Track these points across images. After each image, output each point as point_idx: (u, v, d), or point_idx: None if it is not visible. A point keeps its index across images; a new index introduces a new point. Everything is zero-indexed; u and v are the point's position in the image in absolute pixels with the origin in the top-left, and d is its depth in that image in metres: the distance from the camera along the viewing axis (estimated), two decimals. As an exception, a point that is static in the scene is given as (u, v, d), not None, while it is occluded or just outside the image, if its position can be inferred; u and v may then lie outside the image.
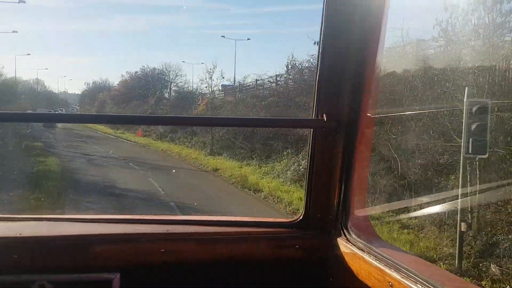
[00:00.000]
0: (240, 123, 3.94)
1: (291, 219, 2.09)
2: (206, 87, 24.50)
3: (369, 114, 1.94)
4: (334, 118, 1.94)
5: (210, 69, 24.16)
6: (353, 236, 1.94)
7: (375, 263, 1.74)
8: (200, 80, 26.03)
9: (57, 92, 45.89)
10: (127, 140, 29.53)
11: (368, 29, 1.83)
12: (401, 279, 1.63)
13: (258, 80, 23.10)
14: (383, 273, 1.72)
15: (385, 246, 1.90)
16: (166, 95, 33.16)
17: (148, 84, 33.43)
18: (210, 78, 24.46)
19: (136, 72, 35.66)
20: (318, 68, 1.93)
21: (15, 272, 1.81)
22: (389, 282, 1.70)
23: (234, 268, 1.99)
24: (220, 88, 25.65)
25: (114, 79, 36.74)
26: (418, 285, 1.54)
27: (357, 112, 1.92)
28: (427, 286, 1.52)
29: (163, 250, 1.96)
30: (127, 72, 35.98)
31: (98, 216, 2.17)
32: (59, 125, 30.03)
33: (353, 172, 1.96)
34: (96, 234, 1.96)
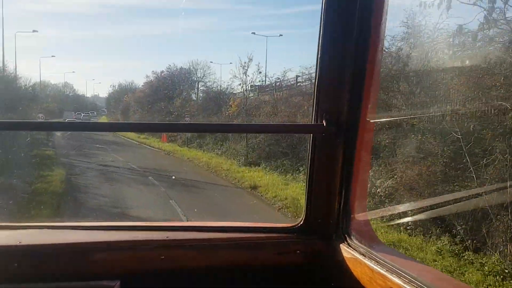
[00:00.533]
0: (239, 128, 3.98)
1: (292, 224, 2.11)
2: (239, 84, 22.96)
3: (368, 119, 1.94)
4: (334, 123, 1.98)
5: (245, 62, 22.22)
6: (354, 241, 1.96)
7: (377, 268, 1.76)
8: (233, 76, 24.58)
9: (87, 95, 49.48)
10: (151, 147, 28.78)
11: (367, 33, 1.87)
12: (403, 284, 1.64)
13: (299, 76, 21.56)
14: (384, 278, 1.72)
15: (386, 251, 1.92)
16: (194, 96, 33.51)
17: (174, 84, 33.89)
18: (245, 73, 22.57)
19: (161, 72, 35.85)
20: (317, 73, 1.98)
21: (14, 281, 1.84)
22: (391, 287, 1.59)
23: (235, 274, 2.01)
24: (250, 88, 24.46)
25: (140, 81, 38.97)
26: None
27: (356, 117, 1.94)
28: None
29: (163, 257, 1.98)
30: (152, 72, 36.48)
31: (97, 223, 2.26)
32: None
33: (354, 176, 1.98)
34: (96, 242, 1.98)
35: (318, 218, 2.08)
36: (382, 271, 1.73)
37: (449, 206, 7.60)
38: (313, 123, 2.02)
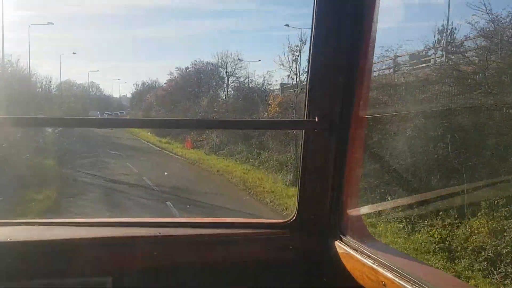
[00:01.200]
0: (232, 124, 4.36)
1: (284, 220, 2.30)
2: (288, 75, 20.82)
3: (361, 115, 2.12)
4: (326, 119, 2.15)
5: (296, 46, 19.31)
6: (346, 236, 2.13)
7: (369, 263, 1.93)
8: (280, 64, 21.10)
9: (115, 96, 54.08)
10: (173, 154, 26.38)
11: (359, 30, 2.04)
12: (394, 279, 1.78)
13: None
14: (376, 272, 1.88)
15: (378, 246, 2.08)
16: (222, 94, 32.24)
17: (200, 81, 32.91)
18: (295, 60, 19.63)
19: (186, 68, 35.38)
20: (309, 69, 2.16)
21: (5, 278, 1.96)
22: (383, 282, 1.84)
23: (227, 270, 2.20)
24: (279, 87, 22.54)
25: (164, 79, 41.19)
26: (411, 284, 1.70)
27: (349, 113, 2.12)
28: (420, 285, 1.65)
29: (155, 253, 2.12)
30: (176, 68, 36.31)
31: (89, 219, 2.44)
32: (97, 130, 30.20)
33: (346, 172, 2.15)
34: (88, 238, 2.13)
35: (310, 214, 2.22)
36: (374, 266, 1.87)
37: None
38: (305, 119, 2.17)
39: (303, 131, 2.19)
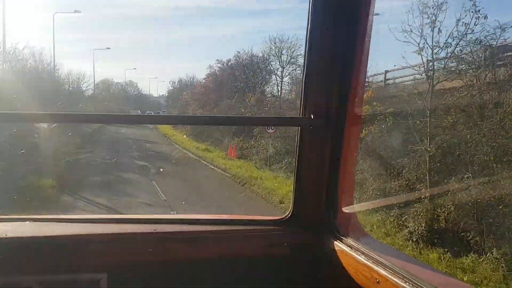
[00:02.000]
0: (226, 121, 4.18)
1: (280, 217, 2.49)
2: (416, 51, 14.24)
3: (356, 112, 2.26)
4: (321, 116, 2.27)
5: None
6: (341, 233, 2.26)
7: (363, 260, 2.04)
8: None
9: (154, 95, 54.69)
10: (213, 166, 20.83)
11: (355, 26, 2.17)
12: (388, 276, 1.88)
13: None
14: (370, 270, 1.98)
15: (372, 243, 2.17)
16: (276, 88, 27.98)
17: (246, 75, 29.00)
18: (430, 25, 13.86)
19: (228, 60, 31.78)
20: (305, 66, 2.31)
21: (1, 274, 2.08)
22: (376, 279, 1.92)
23: (223, 266, 2.34)
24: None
25: (203, 74, 39.45)
26: (404, 281, 1.78)
27: (344, 110, 2.24)
28: (413, 282, 1.76)
29: (150, 249, 2.23)
30: (217, 61, 32.85)
31: (84, 216, 3.06)
32: (129, 133, 27.72)
33: (341, 169, 2.29)
34: (83, 235, 2.27)
35: (305, 211, 2.40)
36: (368, 263, 2.00)
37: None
38: (301, 116, 2.33)
39: (298, 128, 2.38)
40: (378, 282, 1.90)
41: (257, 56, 31.20)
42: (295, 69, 27.74)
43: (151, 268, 2.30)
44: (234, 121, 3.45)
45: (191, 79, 45.05)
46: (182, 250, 2.35)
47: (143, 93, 53.85)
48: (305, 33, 2.33)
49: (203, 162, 22.75)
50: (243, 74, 30.75)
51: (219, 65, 33.26)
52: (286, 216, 2.48)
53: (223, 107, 28.36)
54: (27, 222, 2.41)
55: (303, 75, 2.37)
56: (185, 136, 30.27)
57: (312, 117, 2.29)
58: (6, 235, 2.20)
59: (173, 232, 2.38)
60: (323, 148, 2.33)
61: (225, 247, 2.39)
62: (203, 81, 36.08)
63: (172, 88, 50.12)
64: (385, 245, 2.37)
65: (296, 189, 2.46)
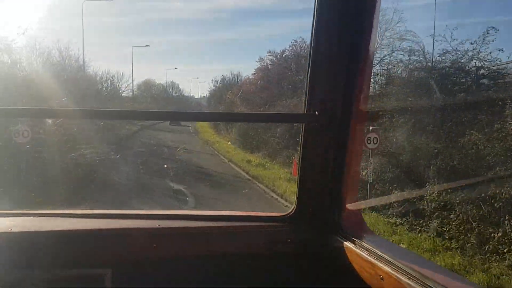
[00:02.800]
0: (229, 117, 4.62)
1: (283, 213, 2.49)
2: None
3: (361, 109, 2.25)
4: (326, 113, 2.26)
5: None
6: (346, 230, 2.28)
7: (367, 257, 2.05)
8: None
9: (196, 96, 54.27)
10: (276, 194, 14.72)
11: (361, 23, 2.17)
12: (392, 272, 1.89)
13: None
14: (374, 266, 1.99)
15: (376, 240, 2.18)
16: None
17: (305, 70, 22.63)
18: None
19: (282, 51, 26.96)
20: (310, 62, 2.30)
21: (5, 268, 2.09)
22: (380, 276, 1.94)
23: (227, 263, 2.36)
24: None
25: (250, 71, 40.89)
26: (408, 278, 1.79)
27: (349, 107, 2.24)
28: (417, 279, 1.76)
29: (154, 245, 2.24)
30: (268, 52, 28.50)
31: (89, 211, 2.63)
32: (165, 138, 26.04)
33: (345, 166, 2.28)
34: (87, 230, 2.27)
35: (309, 208, 2.39)
36: (372, 260, 2.01)
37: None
38: (305, 112, 2.32)
39: (303, 124, 2.37)
40: (382, 279, 1.91)
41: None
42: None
43: (155, 264, 2.31)
44: (236, 118, 3.45)
45: (236, 77, 40.08)
46: (186, 246, 2.36)
47: (184, 95, 52.62)
48: (310, 29, 2.32)
49: (259, 186, 15.57)
50: (301, 67, 23.59)
51: (271, 57, 27.25)
52: (290, 213, 2.49)
53: (281, 108, 21.62)
54: (32, 217, 2.43)
55: (308, 71, 2.36)
56: (229, 143, 25.66)
57: (316, 113, 2.28)
58: (11, 229, 2.22)
59: (177, 228, 2.38)
60: (328, 144, 2.33)
61: (229, 244, 2.41)
62: (252, 77, 29.82)
63: (214, 87, 45.31)
64: (389, 242, 2.40)
65: (300, 186, 2.47)
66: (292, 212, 2.48)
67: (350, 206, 2.34)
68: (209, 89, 50.01)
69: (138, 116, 5.60)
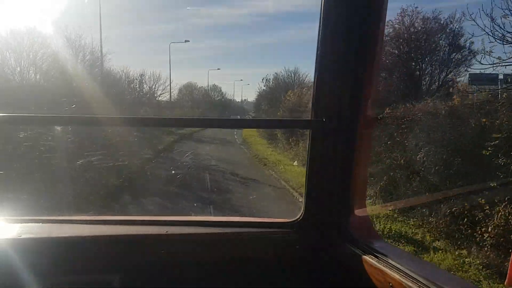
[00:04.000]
0: (237, 124, 4.31)
1: (291, 220, 2.48)
2: None
3: (369, 114, 2.25)
4: (333, 118, 2.26)
5: None
6: (354, 236, 2.26)
7: (376, 264, 2.03)
8: None
9: (237, 100, 54.63)
10: None
11: (367, 27, 2.17)
12: (402, 280, 1.87)
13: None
14: (383, 273, 1.97)
15: (386, 247, 2.15)
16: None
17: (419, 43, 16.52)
18: None
19: (402, 14, 18.01)
20: (317, 67, 2.30)
21: (13, 274, 2.09)
22: (390, 284, 1.92)
23: (234, 269, 2.36)
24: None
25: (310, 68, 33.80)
26: (418, 285, 1.77)
27: (356, 112, 2.24)
28: (428, 287, 1.74)
29: (163, 251, 2.27)
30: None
31: (96, 217, 2.64)
32: (209, 150, 22.33)
33: (353, 172, 2.29)
34: (96, 236, 2.29)
35: (317, 214, 2.39)
36: (381, 267, 1.98)
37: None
38: (312, 118, 2.32)
39: (310, 130, 2.36)
40: (391, 286, 1.89)
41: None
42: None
43: (163, 270, 2.32)
44: (241, 124, 3.42)
45: (292, 74, 34.61)
46: (194, 252, 2.37)
47: (227, 98, 51.30)
48: (317, 34, 2.31)
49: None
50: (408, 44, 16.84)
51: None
52: (297, 219, 2.48)
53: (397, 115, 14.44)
54: (41, 223, 2.45)
55: (314, 76, 2.34)
56: (295, 164, 17.78)
57: (323, 119, 2.28)
58: (20, 236, 2.24)
59: (185, 234, 2.40)
60: (335, 150, 2.33)
61: (236, 250, 2.41)
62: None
63: (265, 88, 38.92)
64: (399, 249, 2.35)
65: (307, 192, 2.46)
66: (300, 218, 2.47)
67: (358, 212, 2.33)
68: (258, 90, 44.12)
69: (155, 123, 5.62)
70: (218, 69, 61.79)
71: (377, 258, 2.04)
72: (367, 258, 2.08)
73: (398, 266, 1.92)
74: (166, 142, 24.58)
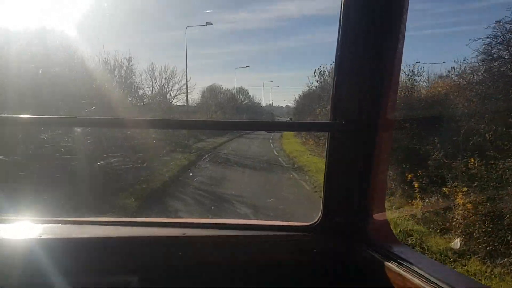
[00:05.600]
0: (255, 126, 3.68)
1: (309, 223, 2.46)
2: None
3: (388, 117, 2.23)
4: (353, 121, 2.25)
5: None
6: (373, 241, 2.25)
7: (396, 268, 2.01)
8: None
9: (262, 105, 53.25)
10: None
11: (387, 29, 2.15)
12: (423, 286, 1.85)
13: None
14: (404, 279, 1.94)
15: (406, 251, 2.14)
16: None
17: None
18: None
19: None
20: (336, 70, 2.28)
21: (32, 274, 2.13)
22: None
23: (251, 272, 2.36)
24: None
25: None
26: None
27: (375, 115, 2.22)
28: None
29: (180, 253, 2.28)
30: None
31: (116, 218, 2.64)
32: (249, 180, 17.29)
33: (372, 175, 2.27)
34: (115, 237, 2.31)
35: (335, 217, 2.36)
36: (400, 271, 1.96)
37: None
38: (331, 121, 2.30)
39: (328, 133, 2.35)
40: None
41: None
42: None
43: (181, 272, 2.33)
44: (258, 126, 3.46)
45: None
46: (211, 254, 2.38)
47: (254, 101, 47.40)
48: (336, 36, 2.31)
49: None
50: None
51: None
52: (315, 223, 2.47)
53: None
54: (61, 224, 2.50)
55: (333, 78, 2.33)
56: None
57: (343, 122, 2.26)
58: (41, 236, 2.29)
59: (202, 237, 2.41)
60: (354, 153, 2.31)
61: (253, 253, 2.41)
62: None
63: (318, 82, 33.86)
64: (419, 254, 2.22)
65: (325, 195, 2.44)
66: (318, 221, 2.46)
67: (377, 216, 2.32)
68: (308, 85, 37.29)
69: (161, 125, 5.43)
70: (246, 66, 57.43)
71: (397, 263, 2.01)
72: (387, 262, 2.05)
73: (419, 271, 1.90)
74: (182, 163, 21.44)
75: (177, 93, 26.93)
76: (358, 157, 2.31)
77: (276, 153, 24.72)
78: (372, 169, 2.28)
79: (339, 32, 2.24)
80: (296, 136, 33.22)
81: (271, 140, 29.62)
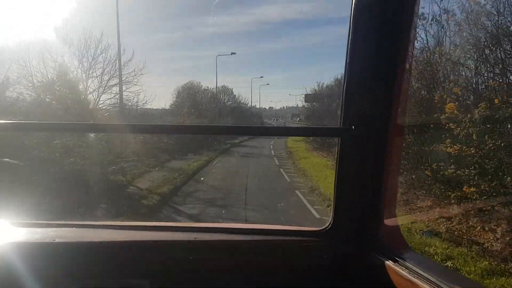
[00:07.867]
0: (266, 131, 4.00)
1: (320, 228, 2.47)
2: None
3: (399, 122, 2.23)
4: (363, 126, 2.25)
5: None
6: (383, 246, 2.24)
7: (407, 275, 1.99)
8: None
9: (253, 106, 50.81)
10: None
11: (398, 35, 2.16)
12: None
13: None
14: (414, 285, 1.94)
15: (416, 258, 2.12)
16: None
17: None
18: None
19: None
20: (346, 75, 2.29)
21: (46, 278, 2.17)
22: None
23: (262, 276, 2.37)
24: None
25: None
26: None
27: (386, 120, 2.22)
28: None
29: (191, 257, 2.30)
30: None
31: (127, 223, 2.66)
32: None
33: (383, 181, 2.27)
34: (127, 241, 2.35)
35: (346, 223, 2.36)
36: (411, 278, 1.94)
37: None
38: (341, 126, 2.30)
39: (339, 138, 2.34)
40: None
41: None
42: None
43: (192, 276, 2.35)
44: (266, 132, 3.48)
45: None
46: (222, 259, 2.39)
47: (242, 103, 42.04)
48: (346, 40, 2.30)
49: None
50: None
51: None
52: (326, 228, 2.45)
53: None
54: (74, 228, 2.55)
55: (344, 83, 2.31)
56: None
57: (353, 127, 2.25)
58: (54, 240, 2.34)
59: (212, 241, 2.42)
60: (365, 159, 2.29)
61: (265, 257, 2.42)
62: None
63: (318, 87, 31.69)
64: (430, 260, 2.22)
65: (336, 200, 2.42)
66: (329, 227, 2.44)
67: (388, 222, 2.29)
68: (317, 86, 33.36)
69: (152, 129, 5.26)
70: (232, 53, 39.14)
71: (407, 269, 2.00)
72: (397, 268, 2.04)
73: (429, 277, 1.88)
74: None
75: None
76: (368, 162, 2.29)
77: (303, 198, 15.16)
78: (383, 174, 2.25)
79: (349, 38, 2.23)
80: (312, 150, 26.56)
81: (275, 158, 22.40)
